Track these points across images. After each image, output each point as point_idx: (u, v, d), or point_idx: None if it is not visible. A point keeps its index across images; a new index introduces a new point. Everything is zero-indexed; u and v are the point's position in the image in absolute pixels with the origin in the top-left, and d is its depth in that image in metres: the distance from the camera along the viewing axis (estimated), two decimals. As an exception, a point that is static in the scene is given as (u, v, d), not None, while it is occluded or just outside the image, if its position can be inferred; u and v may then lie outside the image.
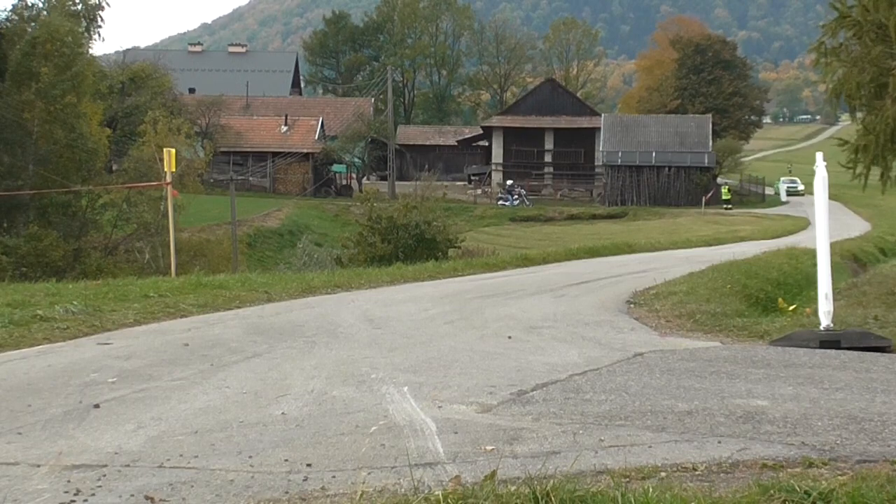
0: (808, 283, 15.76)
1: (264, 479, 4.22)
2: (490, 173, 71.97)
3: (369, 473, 4.24)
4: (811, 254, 11.86)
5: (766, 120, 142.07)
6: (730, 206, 61.90)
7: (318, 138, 68.80)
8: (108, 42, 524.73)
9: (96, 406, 5.74)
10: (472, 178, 73.87)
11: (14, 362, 7.39)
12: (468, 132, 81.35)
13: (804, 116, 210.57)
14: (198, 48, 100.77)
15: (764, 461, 4.36)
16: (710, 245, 32.40)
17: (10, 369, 7.07)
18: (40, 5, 34.88)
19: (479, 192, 68.89)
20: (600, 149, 68.02)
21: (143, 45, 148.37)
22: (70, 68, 31.88)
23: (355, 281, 15.58)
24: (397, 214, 27.81)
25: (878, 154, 15.53)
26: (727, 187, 64.99)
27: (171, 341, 8.46)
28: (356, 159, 72.64)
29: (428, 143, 79.89)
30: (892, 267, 21.56)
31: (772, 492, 3.79)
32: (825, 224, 9.01)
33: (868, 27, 15.08)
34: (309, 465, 4.42)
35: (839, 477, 4.05)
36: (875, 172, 16.09)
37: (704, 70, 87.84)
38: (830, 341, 8.27)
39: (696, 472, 4.23)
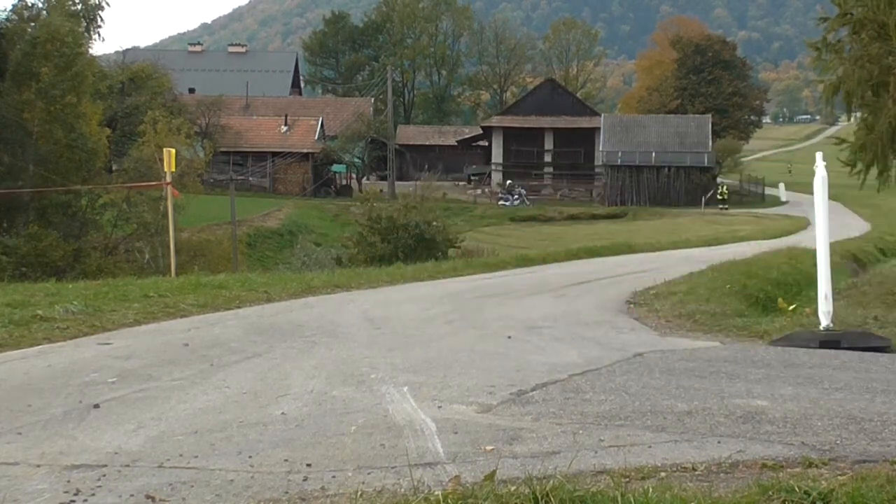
0: (808, 283, 15.74)
1: (264, 479, 4.22)
2: (490, 173, 71.96)
3: (369, 473, 4.24)
4: (811, 254, 11.86)
5: (766, 120, 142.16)
6: (725, 206, 61.90)
7: (318, 138, 68.78)
8: (108, 42, 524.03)
9: (96, 406, 5.74)
10: (472, 178, 73.87)
11: (14, 362, 7.39)
12: (468, 132, 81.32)
13: (804, 116, 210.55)
14: (198, 48, 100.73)
15: (764, 461, 4.36)
16: (710, 245, 32.36)
17: (10, 369, 7.07)
18: (40, 5, 34.91)
19: (479, 192, 68.90)
20: (600, 149, 68.02)
21: (143, 45, 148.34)
22: (70, 68, 31.89)
23: (355, 281, 15.59)
24: (397, 214, 27.83)
25: (878, 154, 15.54)
26: (721, 187, 64.94)
27: (171, 341, 8.46)
28: (356, 159, 72.61)
29: (428, 143, 79.90)
30: (892, 267, 21.55)
31: (771, 492, 3.79)
32: (825, 224, 9.01)
33: (868, 24, 15.09)
34: (309, 465, 4.42)
35: (839, 477, 4.04)
36: (873, 171, 16.11)
37: (704, 70, 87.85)
38: (830, 341, 8.27)
39: (696, 472, 4.23)
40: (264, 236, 48.72)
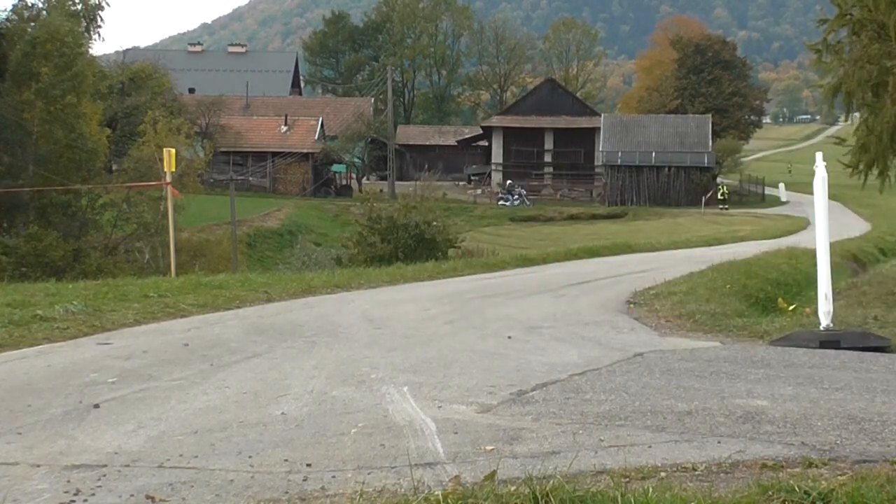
0: (808, 283, 15.74)
1: (264, 479, 4.22)
2: (490, 173, 71.95)
3: (369, 473, 4.25)
4: (811, 254, 11.86)
5: (766, 120, 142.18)
6: (726, 206, 61.87)
7: (318, 138, 68.76)
8: (108, 42, 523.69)
9: (96, 406, 5.74)
10: (472, 178, 73.88)
11: (14, 362, 7.39)
12: (468, 132, 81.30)
13: (804, 117, 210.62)
14: (198, 48, 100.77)
15: (764, 461, 4.36)
16: (710, 245, 32.35)
17: (10, 369, 7.07)
18: (40, 5, 34.90)
19: (479, 192, 68.90)
20: (600, 149, 68.00)
21: (143, 45, 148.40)
22: (70, 68, 31.88)
23: (355, 281, 15.59)
24: (397, 214, 27.79)
25: (878, 154, 15.55)
26: (722, 187, 64.92)
27: (171, 341, 8.46)
28: (356, 159, 72.59)
29: (428, 143, 79.91)
30: (892, 267, 21.53)
31: (771, 492, 3.79)
32: (825, 224, 9.01)
33: (868, 25, 15.10)
34: (309, 465, 4.43)
35: (839, 477, 4.05)
36: (874, 171, 16.12)
37: (704, 70, 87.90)
38: (830, 341, 8.27)
39: (696, 472, 4.23)
40: (264, 236, 48.74)
